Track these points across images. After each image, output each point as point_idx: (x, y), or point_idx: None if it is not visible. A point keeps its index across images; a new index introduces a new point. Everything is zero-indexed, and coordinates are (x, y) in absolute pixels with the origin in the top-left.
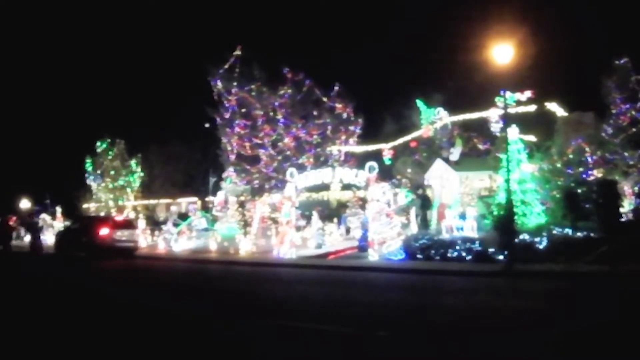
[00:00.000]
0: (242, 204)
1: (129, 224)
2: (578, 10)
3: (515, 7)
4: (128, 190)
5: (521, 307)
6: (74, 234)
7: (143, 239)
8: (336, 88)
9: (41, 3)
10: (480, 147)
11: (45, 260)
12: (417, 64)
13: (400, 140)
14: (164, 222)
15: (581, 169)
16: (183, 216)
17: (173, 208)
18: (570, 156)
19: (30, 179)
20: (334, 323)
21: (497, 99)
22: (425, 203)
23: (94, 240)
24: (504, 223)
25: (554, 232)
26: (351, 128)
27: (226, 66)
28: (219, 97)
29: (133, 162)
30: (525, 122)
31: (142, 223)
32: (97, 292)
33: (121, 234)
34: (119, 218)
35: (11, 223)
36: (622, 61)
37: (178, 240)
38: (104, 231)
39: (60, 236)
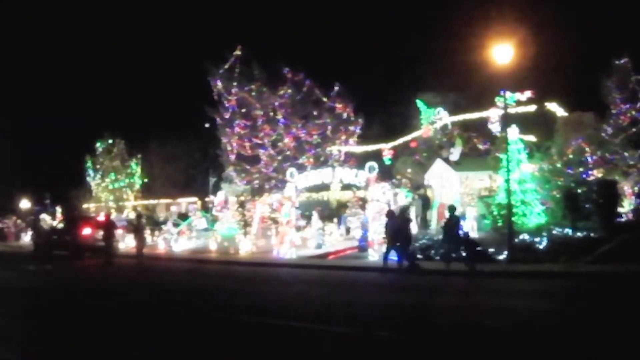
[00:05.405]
0: (242, 204)
1: (112, 224)
2: (578, 11)
3: (515, 7)
4: (128, 190)
5: (521, 308)
6: (58, 234)
7: None
8: (336, 88)
9: (43, 3)
10: (480, 147)
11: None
12: (417, 64)
13: (400, 140)
14: (164, 222)
15: (581, 169)
16: (183, 216)
17: (173, 208)
18: (570, 156)
19: (30, 179)
20: (334, 323)
21: (497, 99)
22: (425, 203)
23: (76, 239)
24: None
25: (554, 232)
26: (351, 128)
27: (226, 66)
28: (219, 97)
29: (133, 163)
30: (525, 122)
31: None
32: None
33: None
34: (101, 218)
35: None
36: (622, 61)
37: (178, 240)
38: (86, 231)
39: (46, 236)
